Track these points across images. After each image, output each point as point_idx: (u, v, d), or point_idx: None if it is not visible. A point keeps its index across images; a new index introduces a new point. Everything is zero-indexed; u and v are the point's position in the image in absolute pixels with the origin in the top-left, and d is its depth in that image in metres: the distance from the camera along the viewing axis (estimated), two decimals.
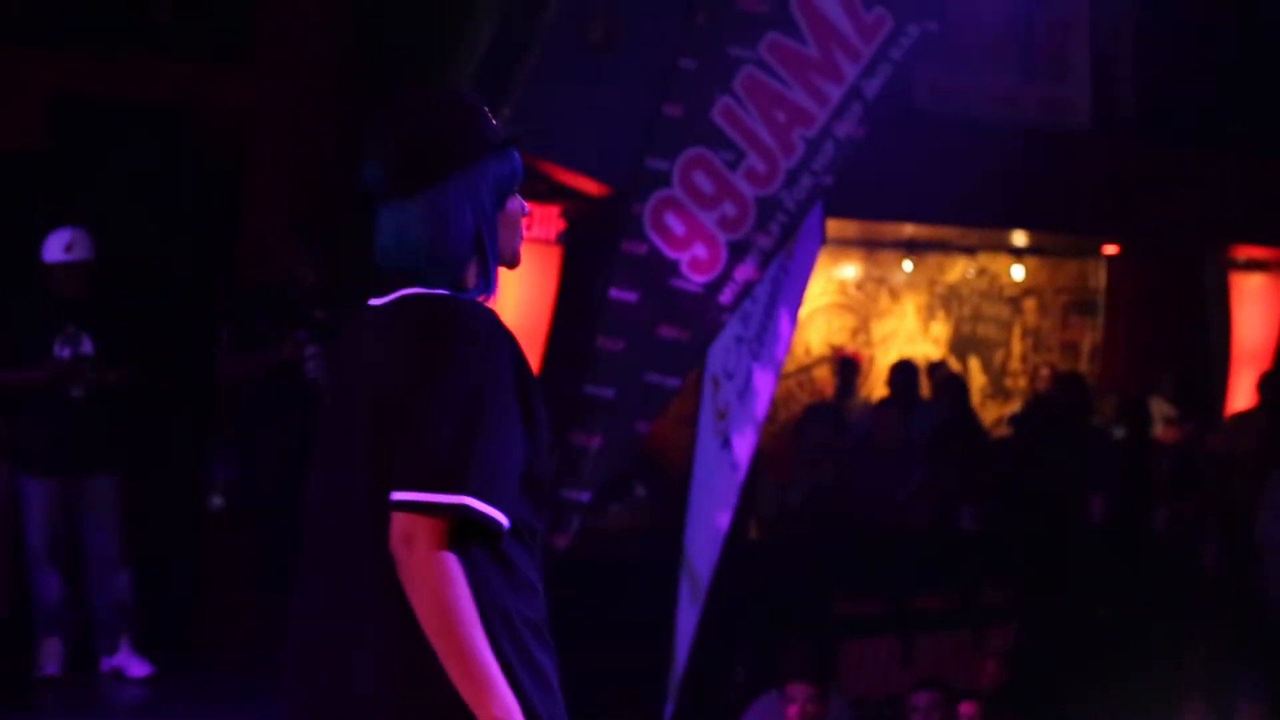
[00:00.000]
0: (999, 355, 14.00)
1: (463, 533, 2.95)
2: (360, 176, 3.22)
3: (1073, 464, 10.63)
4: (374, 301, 3.21)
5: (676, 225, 7.65)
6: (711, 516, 8.25)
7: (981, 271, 13.79)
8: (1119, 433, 11.54)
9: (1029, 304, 14.23)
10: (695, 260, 7.68)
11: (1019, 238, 13.43)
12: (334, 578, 3.09)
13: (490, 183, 3.20)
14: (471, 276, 3.20)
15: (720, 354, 8.17)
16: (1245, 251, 13.74)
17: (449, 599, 2.90)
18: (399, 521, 2.92)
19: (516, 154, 3.26)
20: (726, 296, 7.82)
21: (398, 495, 2.92)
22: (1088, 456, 10.81)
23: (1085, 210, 12.33)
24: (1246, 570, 10.53)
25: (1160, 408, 12.19)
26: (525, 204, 3.30)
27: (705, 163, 7.64)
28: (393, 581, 2.95)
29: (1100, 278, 14.33)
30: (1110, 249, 13.83)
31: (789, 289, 8.35)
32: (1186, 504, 10.77)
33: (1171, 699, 9.11)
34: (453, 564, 2.91)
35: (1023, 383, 13.83)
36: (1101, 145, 12.24)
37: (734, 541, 8.29)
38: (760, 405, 8.30)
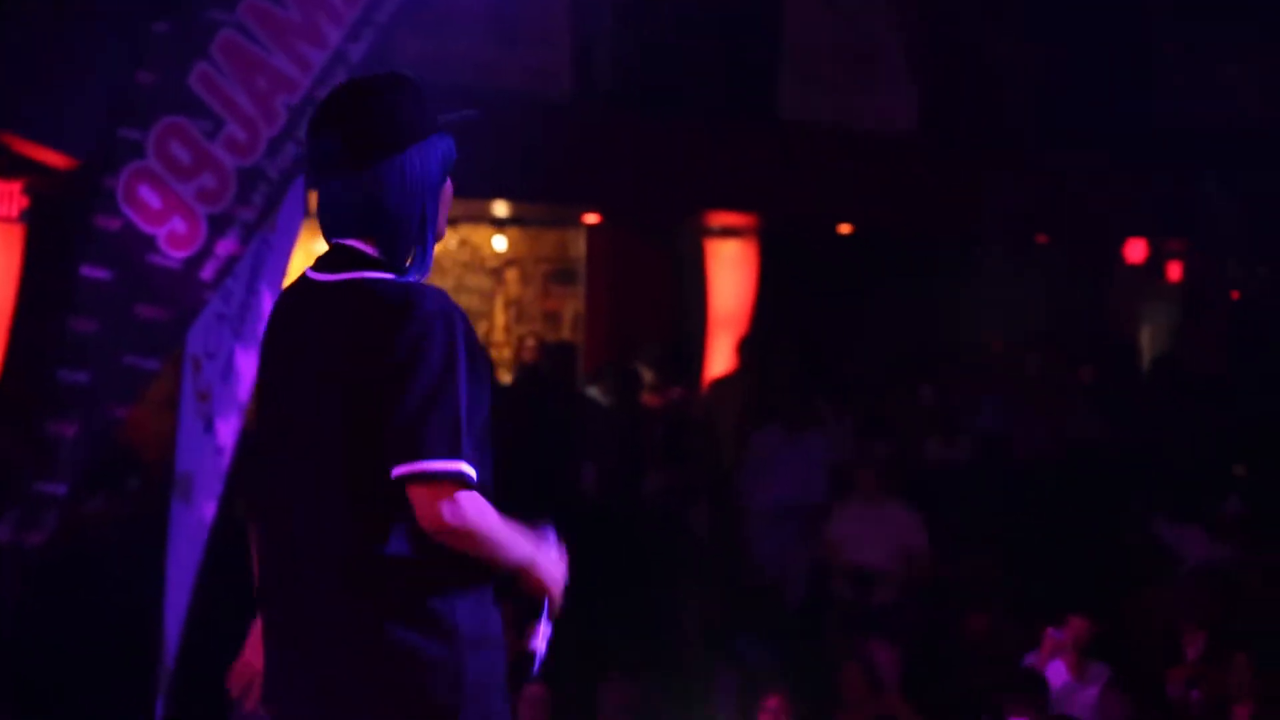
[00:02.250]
0: (482, 326, 13.94)
1: None
2: (309, 149, 3.40)
3: (563, 433, 10.63)
4: (316, 276, 3.37)
5: (152, 198, 7.22)
6: (197, 505, 7.89)
7: (463, 243, 13.72)
8: (609, 402, 11.61)
9: (511, 274, 14.23)
10: (173, 235, 7.27)
11: (500, 208, 13.40)
12: (303, 579, 3.28)
13: (438, 158, 3.40)
14: (412, 248, 3.38)
15: (201, 333, 7.80)
16: (720, 219, 14.05)
17: (493, 535, 3.23)
18: (422, 492, 3.16)
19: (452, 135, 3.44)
20: (208, 273, 7.44)
21: (407, 469, 3.15)
22: (578, 425, 10.84)
23: (564, 180, 12.39)
24: (734, 533, 10.75)
25: (644, 375, 12.32)
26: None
27: (182, 132, 7.24)
28: (365, 568, 3.21)
29: (580, 247, 14.43)
30: (590, 218, 13.94)
31: (271, 264, 8.04)
32: (675, 470, 10.90)
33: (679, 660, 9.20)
34: (480, 502, 3.21)
35: (507, 354, 13.80)
36: (580, 115, 12.30)
37: (221, 528, 7.94)
38: (244, 387, 7.97)
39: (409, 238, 3.38)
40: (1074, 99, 13.60)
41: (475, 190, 12.32)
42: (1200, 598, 9.19)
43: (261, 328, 7.93)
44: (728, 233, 14.20)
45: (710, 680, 9.05)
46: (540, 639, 3.44)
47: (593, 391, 12.01)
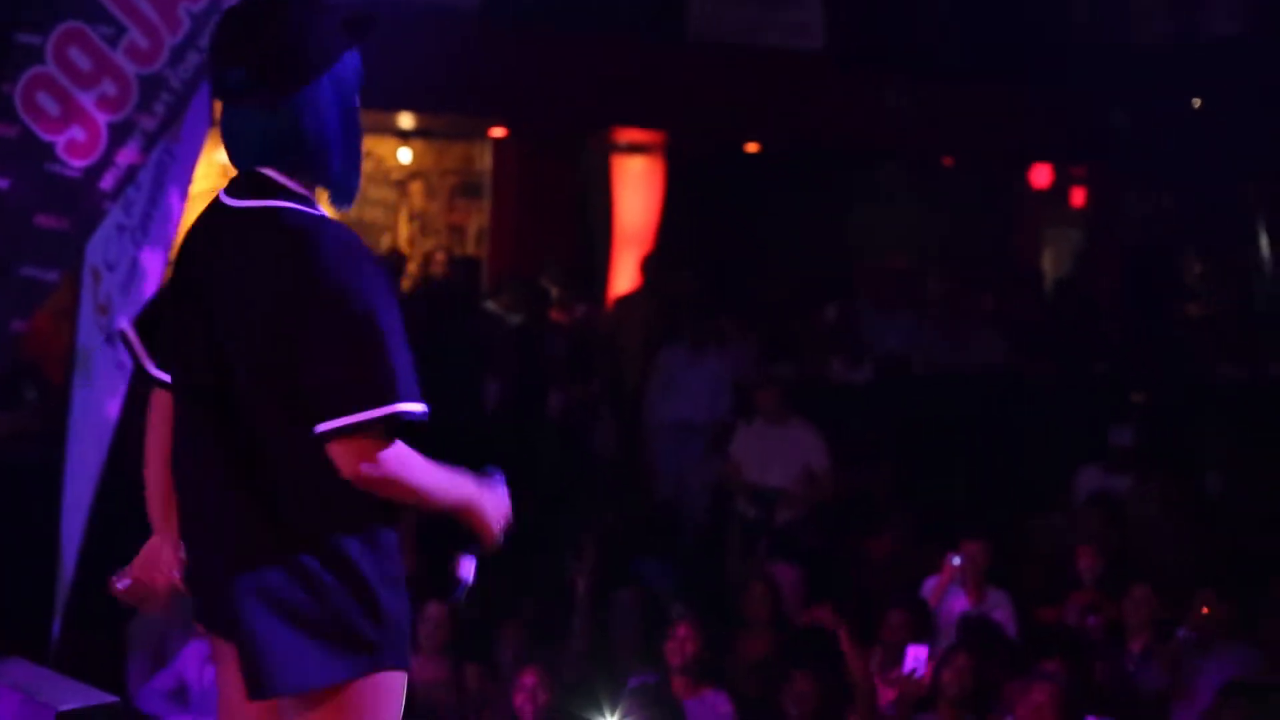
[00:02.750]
0: (385, 239, 13.82)
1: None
2: (214, 75, 3.25)
3: (467, 349, 10.55)
4: (228, 200, 3.27)
5: (51, 105, 7.05)
6: (99, 412, 7.76)
7: (367, 155, 13.52)
8: (514, 319, 11.53)
9: (415, 187, 14.10)
10: (73, 143, 7.10)
11: (405, 120, 13.26)
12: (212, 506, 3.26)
13: (351, 78, 3.28)
14: (327, 176, 3.27)
15: (101, 244, 7.65)
16: (626, 135, 13.97)
17: (416, 484, 3.19)
18: (340, 449, 3.09)
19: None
20: (108, 182, 7.28)
21: (327, 426, 3.07)
22: (482, 342, 10.76)
23: (471, 93, 12.28)
24: (637, 451, 10.73)
25: (550, 290, 12.26)
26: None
27: (82, 37, 7.06)
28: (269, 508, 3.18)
29: (486, 161, 14.31)
30: (496, 132, 13.82)
31: (176, 173, 7.89)
32: (580, 388, 10.86)
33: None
34: (402, 454, 3.15)
35: (412, 268, 13.68)
36: (488, 27, 12.18)
37: (124, 442, 7.82)
38: (149, 289, 7.86)
39: (327, 168, 3.27)
40: (984, 20, 13.59)
41: (380, 102, 12.17)
42: (1097, 524, 9.28)
43: (172, 229, 7.82)
44: (634, 149, 14.13)
45: (612, 602, 9.04)
46: (467, 570, 3.49)
47: (493, 306, 11.94)
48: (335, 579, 3.19)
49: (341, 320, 3.10)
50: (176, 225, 7.92)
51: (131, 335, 3.48)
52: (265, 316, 3.15)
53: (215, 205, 3.34)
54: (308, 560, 3.18)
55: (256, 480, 3.20)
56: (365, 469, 3.10)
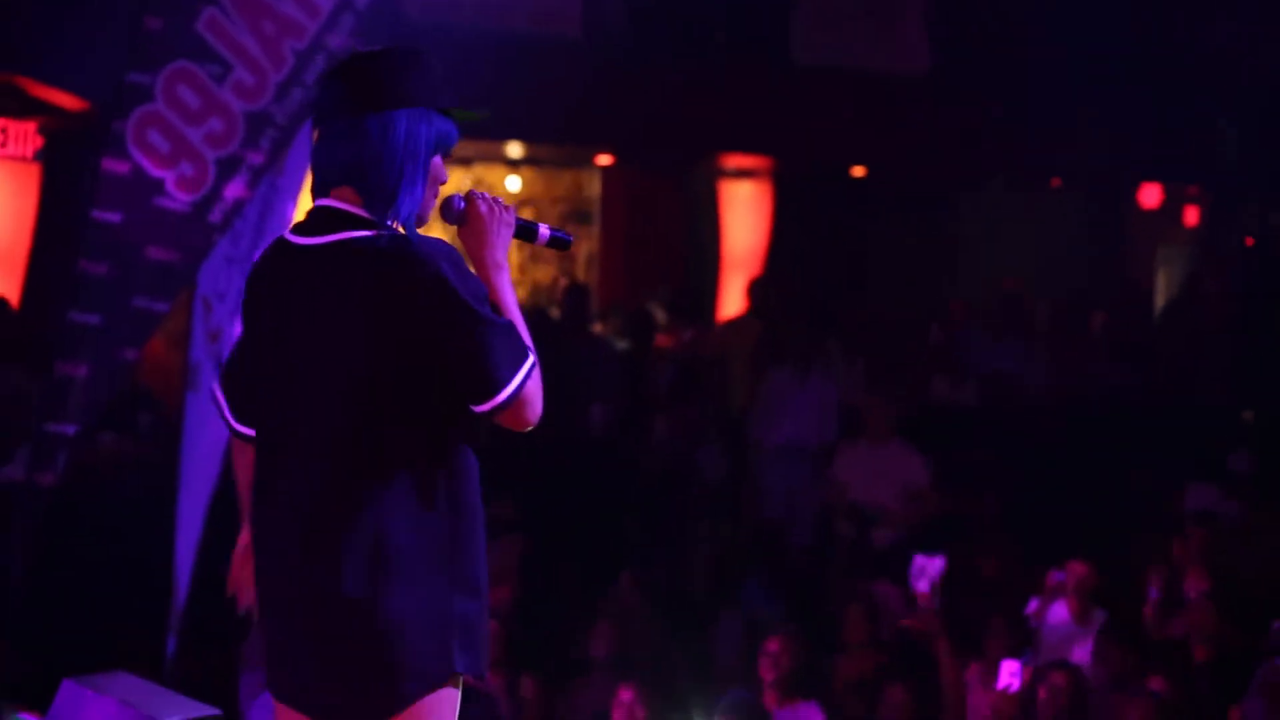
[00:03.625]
0: None
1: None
2: (314, 105, 3.54)
3: (574, 374, 10.68)
4: (298, 240, 3.44)
5: (161, 142, 7.30)
6: (210, 442, 7.98)
7: (478, 183, 13.74)
8: (622, 344, 11.65)
9: (526, 215, 14.23)
10: (182, 178, 7.35)
11: (514, 149, 13.42)
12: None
13: (430, 132, 3.43)
14: (387, 208, 3.40)
15: (211, 275, 7.89)
16: (733, 160, 14.06)
17: (539, 400, 3.39)
18: (506, 417, 3.35)
19: (456, 123, 3.49)
20: (216, 215, 7.52)
21: (489, 405, 3.33)
22: (589, 367, 10.88)
23: (577, 120, 12.41)
24: (745, 474, 10.79)
25: (657, 315, 12.37)
26: (446, 172, 3.52)
27: (190, 76, 7.30)
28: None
29: (595, 188, 14.46)
30: (603, 159, 13.97)
31: (279, 207, 8.10)
32: (686, 410, 10.95)
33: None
34: (534, 390, 3.38)
35: (521, 294, 13.83)
36: (592, 55, 12.31)
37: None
38: None
39: (384, 196, 3.40)
40: (1090, 41, 13.55)
41: (489, 131, 12.38)
42: (1202, 544, 9.22)
43: None
44: (741, 174, 14.22)
45: (715, 624, 9.14)
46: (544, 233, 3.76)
47: (601, 331, 12.07)
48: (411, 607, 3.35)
49: (461, 314, 3.30)
50: None
51: (218, 392, 3.65)
52: (369, 336, 3.31)
53: (281, 247, 3.48)
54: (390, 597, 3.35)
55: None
56: (531, 417, 3.37)
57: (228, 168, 7.42)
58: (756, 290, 12.77)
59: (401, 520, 3.33)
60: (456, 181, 13.29)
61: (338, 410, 3.34)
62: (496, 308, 3.40)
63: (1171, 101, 13.57)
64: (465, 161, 13.51)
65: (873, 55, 13.61)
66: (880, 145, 13.71)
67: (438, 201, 3.55)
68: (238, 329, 7.99)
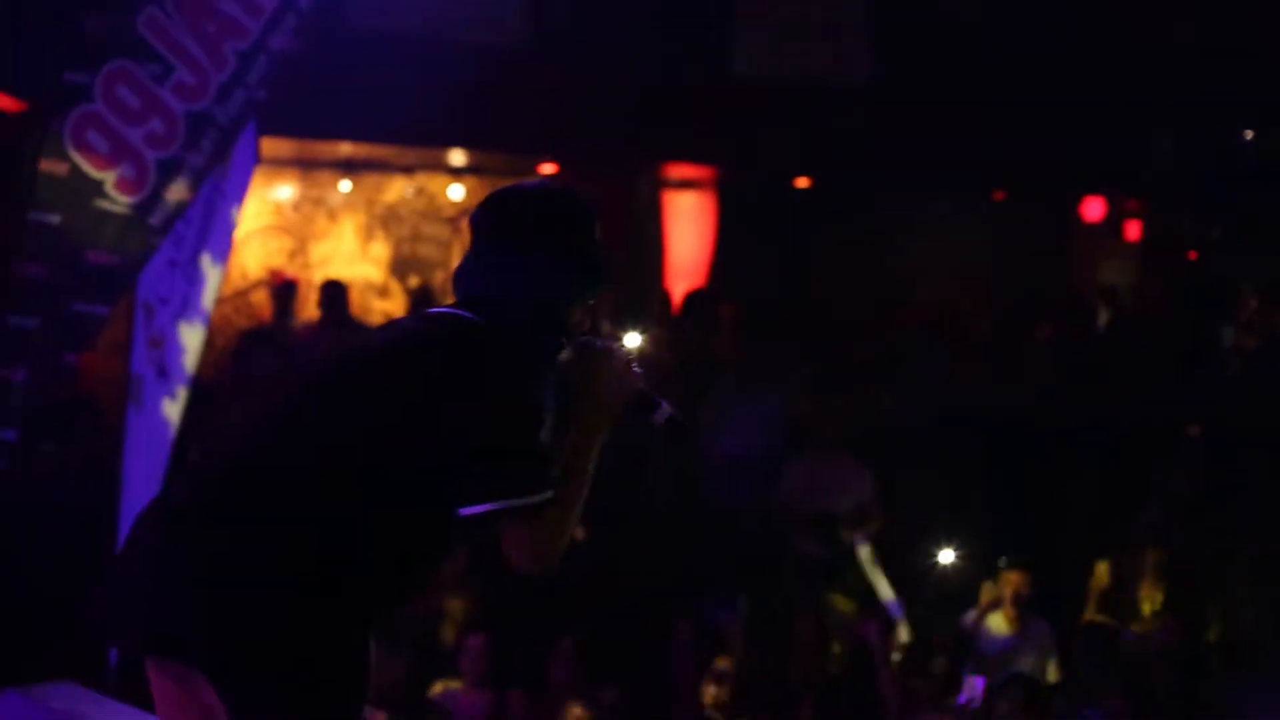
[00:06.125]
0: (439, 276, 13.90)
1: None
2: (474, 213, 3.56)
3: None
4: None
5: (100, 143, 7.17)
6: (152, 449, 7.87)
7: (420, 191, 13.66)
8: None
9: (467, 224, 14.16)
10: (122, 180, 7.23)
11: (457, 157, 13.35)
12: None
13: (566, 285, 3.48)
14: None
15: (152, 279, 7.77)
16: (677, 170, 14.03)
17: (568, 530, 3.34)
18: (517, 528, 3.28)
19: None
20: (157, 218, 7.40)
21: (508, 504, 3.25)
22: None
23: (521, 129, 12.35)
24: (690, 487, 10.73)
25: (601, 324, 12.29)
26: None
27: (130, 76, 7.18)
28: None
29: None
30: (547, 168, 13.90)
31: (223, 210, 8.01)
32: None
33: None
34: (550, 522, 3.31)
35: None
36: (536, 62, 12.26)
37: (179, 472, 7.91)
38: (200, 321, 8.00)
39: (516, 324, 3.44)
40: (1032, 53, 13.58)
41: (431, 138, 12.29)
42: (1151, 564, 9.23)
43: (221, 263, 7.92)
44: (685, 184, 14.18)
45: (668, 635, 9.08)
46: (663, 413, 3.57)
47: None
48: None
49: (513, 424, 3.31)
50: (226, 260, 8.02)
51: None
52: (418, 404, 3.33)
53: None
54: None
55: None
56: (546, 555, 3.31)
57: (169, 169, 7.30)
58: (695, 301, 12.73)
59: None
60: (398, 188, 13.13)
61: (356, 432, 3.31)
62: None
63: (1113, 115, 13.60)
64: (408, 169, 13.43)
65: (815, 66, 13.60)
66: (823, 156, 13.68)
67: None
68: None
